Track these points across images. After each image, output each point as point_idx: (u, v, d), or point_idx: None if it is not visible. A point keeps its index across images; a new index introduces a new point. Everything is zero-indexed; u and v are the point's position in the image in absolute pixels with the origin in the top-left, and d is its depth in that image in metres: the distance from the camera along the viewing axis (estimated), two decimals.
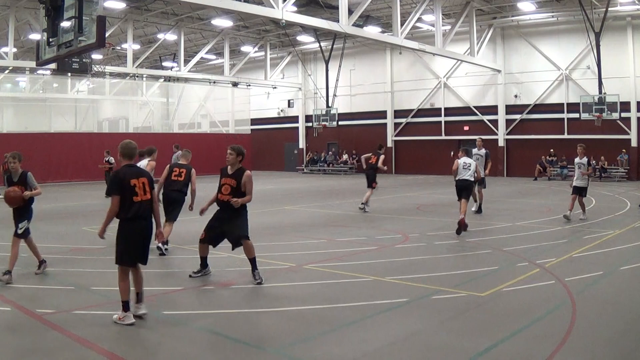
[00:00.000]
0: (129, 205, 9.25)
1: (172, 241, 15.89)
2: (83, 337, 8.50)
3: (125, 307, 9.18)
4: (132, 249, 9.36)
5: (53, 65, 34.16)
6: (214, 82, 56.74)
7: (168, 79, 55.73)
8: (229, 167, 11.86)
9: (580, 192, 20.82)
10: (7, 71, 47.62)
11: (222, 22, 45.82)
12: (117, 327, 9.01)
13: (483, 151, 24.46)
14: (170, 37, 48.95)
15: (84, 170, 42.20)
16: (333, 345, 8.33)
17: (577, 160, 21.11)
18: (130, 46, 46.54)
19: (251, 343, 8.44)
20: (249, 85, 57.78)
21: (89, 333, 8.69)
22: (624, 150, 41.73)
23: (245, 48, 56.77)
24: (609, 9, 39.05)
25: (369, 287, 11.49)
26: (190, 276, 12.11)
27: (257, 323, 9.42)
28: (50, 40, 14.80)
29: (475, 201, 23.11)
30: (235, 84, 56.49)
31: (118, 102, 65.15)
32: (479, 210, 23.25)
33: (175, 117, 66.58)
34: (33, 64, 28.23)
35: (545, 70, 45.38)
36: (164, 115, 66.91)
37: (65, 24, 13.89)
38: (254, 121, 62.12)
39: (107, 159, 32.78)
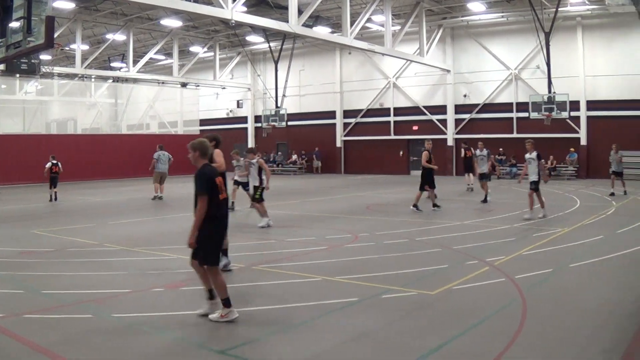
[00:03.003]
0: (217, 204, 9.31)
1: (123, 244, 15.77)
2: (33, 341, 8.38)
3: (227, 303, 9.30)
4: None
5: (1, 67, 33.73)
6: (163, 83, 56.44)
7: (117, 79, 55.29)
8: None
9: (536, 186, 20.99)
10: None
11: (172, 23, 45.58)
12: (66, 331, 8.90)
13: (485, 151, 27.79)
14: (120, 37, 48.50)
15: (32, 173, 41.63)
16: (283, 345, 8.30)
17: (527, 155, 21.35)
18: (79, 47, 46.08)
19: (202, 344, 8.40)
20: (198, 85, 57.60)
21: (40, 337, 8.55)
22: (572, 149, 42.14)
23: (194, 48, 56.55)
24: (559, 9, 39.45)
25: (319, 287, 11.43)
26: None
27: (208, 324, 9.23)
28: None
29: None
30: (184, 85, 56.26)
31: (66, 103, 64.59)
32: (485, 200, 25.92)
33: (124, 118, 66.12)
34: None
35: (495, 70, 45.76)
36: (112, 116, 66.48)
37: (14, 24, 13.70)
38: (203, 122, 61.90)
39: (54, 163, 32.25)
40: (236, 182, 24.06)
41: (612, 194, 28.74)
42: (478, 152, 27.72)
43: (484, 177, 27.13)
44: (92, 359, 7.94)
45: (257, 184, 19.67)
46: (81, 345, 8.40)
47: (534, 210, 20.97)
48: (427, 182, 23.49)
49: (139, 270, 12.82)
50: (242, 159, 22.46)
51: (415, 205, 23.47)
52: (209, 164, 9.71)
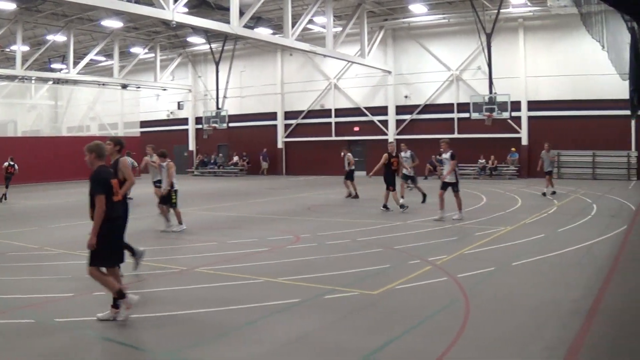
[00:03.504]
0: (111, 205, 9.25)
1: (65, 247, 15.59)
2: None
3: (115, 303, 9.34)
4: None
5: None
6: (104, 85, 55.89)
7: (57, 81, 54.60)
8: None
9: (447, 187, 20.87)
10: None
11: (112, 24, 45.18)
12: (7, 336, 8.75)
13: (409, 153, 27.34)
14: (60, 38, 47.88)
15: None
16: (225, 348, 8.23)
17: (443, 156, 21.43)
18: (19, 48, 45.39)
19: (143, 348, 8.37)
20: (139, 87, 57.15)
21: None
22: (513, 149, 42.59)
23: (135, 49, 56.07)
24: (501, 10, 39.81)
25: (261, 289, 11.33)
26: None
27: (148, 328, 9.17)
28: None
29: None
30: (124, 86, 55.78)
31: (6, 105, 63.53)
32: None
33: (64, 120, 65.29)
34: None
35: (436, 71, 46.17)
36: (52, 118, 65.48)
37: None
38: (144, 123, 61.36)
39: (11, 164, 31.90)
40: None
41: (546, 194, 28.72)
42: (402, 153, 27.10)
43: (406, 178, 26.74)
44: None
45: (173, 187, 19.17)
46: (23, 350, 8.25)
47: (445, 211, 20.87)
48: (388, 183, 23.43)
49: (81, 274, 12.61)
50: (155, 155, 21.99)
51: (385, 206, 23.54)
52: (105, 165, 9.61)
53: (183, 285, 11.74)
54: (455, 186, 20.78)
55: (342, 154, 31.46)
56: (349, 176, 29.76)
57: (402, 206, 23.28)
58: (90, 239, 9.08)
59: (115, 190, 9.38)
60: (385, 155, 23.79)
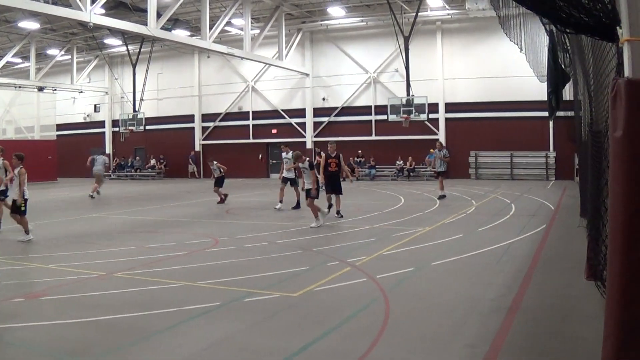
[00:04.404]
0: None
1: None
2: None
3: None
4: None
5: None
6: (20, 87, 54.95)
7: None
8: None
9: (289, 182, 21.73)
10: None
11: (29, 25, 44.44)
12: None
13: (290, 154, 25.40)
14: None
15: None
16: (146, 353, 8.12)
17: (300, 165, 21.23)
18: None
19: (63, 355, 8.07)
20: (55, 89, 56.30)
21: None
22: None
23: (51, 51, 55.17)
24: (420, 13, 40.17)
25: (180, 293, 11.25)
26: None
27: (68, 334, 8.95)
28: None
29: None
30: (41, 89, 54.88)
31: None
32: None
33: None
34: None
35: (354, 73, 46.49)
36: None
37: None
38: (60, 127, 60.55)
39: None
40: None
41: (443, 197, 28.32)
42: (283, 154, 26.66)
43: (286, 181, 26.07)
44: None
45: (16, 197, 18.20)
46: None
47: (321, 219, 20.14)
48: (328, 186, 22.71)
49: None
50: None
51: (337, 212, 22.39)
52: None
53: (103, 290, 11.55)
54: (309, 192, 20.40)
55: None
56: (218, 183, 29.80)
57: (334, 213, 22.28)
58: None
59: None
60: (324, 155, 23.36)
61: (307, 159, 21.14)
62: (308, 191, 20.33)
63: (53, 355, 8.10)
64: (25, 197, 17.97)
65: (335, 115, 47.29)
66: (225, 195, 29.26)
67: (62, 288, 11.70)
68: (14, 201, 17.84)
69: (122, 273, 13.07)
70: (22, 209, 17.88)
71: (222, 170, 29.72)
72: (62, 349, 8.37)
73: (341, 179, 22.76)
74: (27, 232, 18.07)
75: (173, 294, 11.23)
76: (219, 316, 9.66)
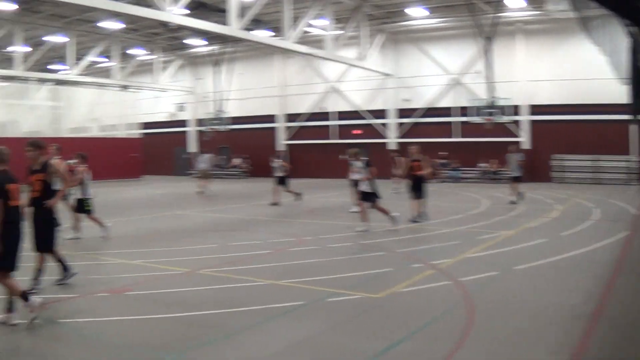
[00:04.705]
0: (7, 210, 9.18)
1: (69, 248, 15.66)
2: None
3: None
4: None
5: None
6: (104, 86, 55.80)
7: (57, 82, 54.56)
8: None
9: (367, 198, 19.47)
10: None
11: (112, 25, 44.95)
12: (11, 338, 8.90)
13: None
14: (60, 39, 47.71)
15: None
16: (229, 350, 8.30)
17: (354, 163, 20.46)
18: (19, 49, 45.27)
19: (146, 350, 8.32)
20: (139, 89, 57.00)
21: None
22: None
23: (134, 51, 55.79)
24: (500, 14, 39.73)
25: (264, 291, 11.42)
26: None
27: (152, 329, 9.24)
28: None
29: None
30: (124, 88, 55.64)
31: (6, 105, 63.47)
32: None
33: (65, 121, 65.17)
34: None
35: (436, 74, 45.92)
36: (53, 119, 65.35)
37: None
38: (144, 125, 61.15)
39: None
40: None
41: (515, 200, 27.53)
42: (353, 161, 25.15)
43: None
44: None
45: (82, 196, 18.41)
46: (28, 352, 8.42)
47: (368, 223, 19.38)
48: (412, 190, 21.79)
49: (81, 275, 12.66)
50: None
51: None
52: (5, 170, 9.59)
53: (187, 287, 11.82)
54: (372, 197, 19.50)
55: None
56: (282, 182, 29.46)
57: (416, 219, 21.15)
58: None
59: (12, 195, 9.35)
60: (405, 159, 23.05)
61: (364, 158, 20.50)
62: (366, 194, 19.43)
63: (134, 350, 8.36)
64: (89, 196, 18.34)
65: (418, 117, 46.93)
66: (298, 194, 29.32)
67: (145, 284, 11.99)
68: (79, 200, 18.19)
69: (206, 270, 13.31)
70: (87, 208, 18.30)
71: (285, 169, 29.64)
72: (144, 344, 8.62)
73: (424, 182, 21.73)
74: (102, 226, 18.61)
75: (256, 292, 11.39)
76: (301, 315, 9.76)
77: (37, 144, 11.44)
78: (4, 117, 62.07)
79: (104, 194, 32.94)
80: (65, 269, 12.00)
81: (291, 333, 8.83)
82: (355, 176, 21.04)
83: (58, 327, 9.41)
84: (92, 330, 9.14)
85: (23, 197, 9.73)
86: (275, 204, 28.27)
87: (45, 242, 11.33)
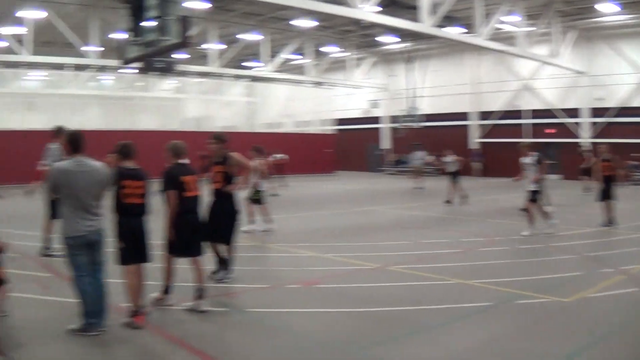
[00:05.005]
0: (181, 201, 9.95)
1: (259, 239, 16.32)
2: (169, 332, 9.03)
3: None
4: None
5: (137, 64, 34.93)
6: (298, 83, 56.84)
7: (252, 78, 56.02)
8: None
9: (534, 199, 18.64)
10: (92, 70, 48.58)
11: (304, 23, 45.63)
12: (202, 323, 9.46)
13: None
14: (254, 37, 48.97)
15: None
16: (416, 347, 8.48)
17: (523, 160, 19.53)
18: (214, 46, 46.78)
19: (334, 343, 8.62)
20: (333, 85, 57.73)
21: (176, 329, 9.21)
22: None
23: (327, 48, 56.49)
24: None
25: (453, 290, 11.58)
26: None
27: (339, 323, 9.54)
28: (135, 39, 14.99)
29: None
30: (318, 84, 56.47)
31: (202, 101, 65.50)
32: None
33: (259, 117, 66.71)
34: (117, 62, 28.69)
35: (629, 72, 44.41)
36: (247, 114, 67.01)
37: (149, 23, 14.05)
38: (337, 121, 62.11)
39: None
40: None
41: None
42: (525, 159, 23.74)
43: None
44: (225, 354, 8.35)
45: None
46: (215, 338, 8.95)
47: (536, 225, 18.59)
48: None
49: (275, 267, 13.21)
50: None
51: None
52: (181, 163, 10.24)
53: (377, 282, 12.13)
54: (535, 195, 18.71)
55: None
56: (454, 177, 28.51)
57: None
58: (166, 232, 9.97)
59: (188, 186, 10.02)
60: (595, 158, 22.38)
61: (535, 153, 19.45)
62: (534, 194, 18.67)
63: (323, 342, 8.66)
64: (261, 189, 18.90)
65: (612, 116, 45.57)
66: (465, 196, 28.20)
67: (336, 278, 12.41)
68: (254, 192, 18.74)
69: (396, 267, 13.54)
70: (257, 198, 18.82)
71: (458, 164, 28.94)
72: (332, 337, 8.90)
73: (614, 183, 20.59)
74: (269, 221, 19.06)
75: (445, 290, 11.59)
76: (489, 316, 9.88)
77: (220, 137, 12.11)
78: (200, 113, 64.14)
79: (299, 188, 33.94)
80: (226, 266, 12.30)
81: (478, 334, 8.98)
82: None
83: (246, 315, 9.97)
84: (278, 321, 9.63)
85: (202, 188, 10.43)
86: (448, 202, 27.86)
87: (224, 234, 11.88)
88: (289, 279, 12.34)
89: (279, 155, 35.80)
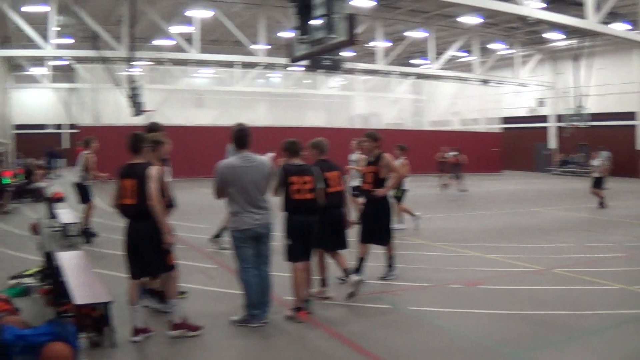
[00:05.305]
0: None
1: (425, 238, 16.37)
2: (333, 328, 9.24)
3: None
4: None
5: (304, 62, 35.53)
6: (464, 80, 56.45)
7: (418, 76, 56.00)
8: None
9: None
10: (260, 67, 49.61)
11: (470, 20, 45.29)
12: (364, 320, 9.67)
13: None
14: (419, 34, 48.94)
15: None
16: (571, 353, 8.31)
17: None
18: (380, 44, 47.03)
19: (491, 345, 8.57)
20: (499, 83, 57.09)
21: (339, 324, 9.43)
22: None
23: (493, 46, 55.87)
24: None
25: (614, 296, 11.33)
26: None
27: (497, 324, 9.50)
28: (302, 38, 15.17)
29: None
30: (485, 82, 55.96)
31: (369, 98, 65.97)
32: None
33: (426, 115, 66.64)
34: (285, 60, 29.17)
35: None
36: (414, 112, 67.07)
37: (315, 21, 14.19)
38: (503, 120, 61.33)
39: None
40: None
41: None
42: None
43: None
44: (385, 351, 8.30)
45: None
46: (375, 336, 8.92)
47: None
48: None
49: (438, 265, 13.15)
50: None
51: None
52: (324, 159, 10.49)
53: (537, 285, 12.01)
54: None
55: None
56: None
57: None
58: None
59: (331, 182, 10.21)
60: None
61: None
62: None
63: (479, 344, 8.63)
64: (404, 188, 18.91)
65: None
66: (603, 201, 26.56)
67: (498, 279, 12.37)
68: (398, 189, 18.54)
69: (559, 270, 13.33)
70: (398, 195, 18.72)
71: (602, 169, 27.72)
72: (490, 337, 8.85)
73: None
74: (401, 222, 19.03)
75: (606, 296, 11.33)
76: None
77: (374, 136, 12.07)
78: (367, 110, 64.55)
79: (466, 187, 33.68)
80: (390, 265, 12.38)
81: (633, 343, 8.70)
82: None
83: (407, 314, 10.07)
84: (438, 320, 9.69)
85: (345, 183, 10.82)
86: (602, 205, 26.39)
87: (378, 235, 11.87)
88: (452, 278, 12.37)
89: (452, 153, 35.64)
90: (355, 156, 19.26)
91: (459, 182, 34.14)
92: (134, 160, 8.69)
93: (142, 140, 8.86)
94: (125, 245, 8.70)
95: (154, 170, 8.52)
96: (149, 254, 8.54)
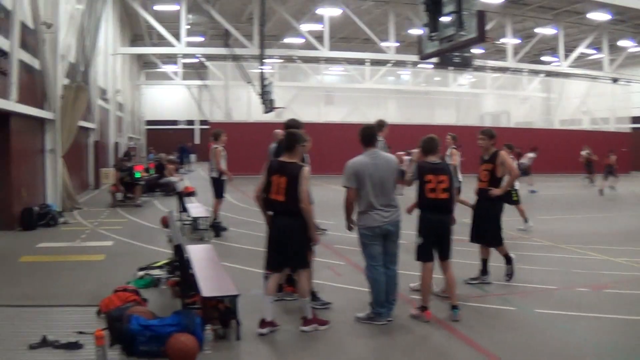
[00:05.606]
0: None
1: (551, 239, 16.20)
2: (463, 332, 9.08)
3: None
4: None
5: (434, 59, 35.44)
6: (594, 78, 55.26)
7: (548, 73, 55.15)
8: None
9: None
10: (390, 65, 49.61)
11: (599, 16, 44.38)
12: (485, 322, 9.62)
13: None
14: (549, 31, 48.23)
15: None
16: None
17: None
18: (510, 41, 46.53)
19: (619, 354, 8.30)
20: (629, 81, 55.68)
21: (465, 328, 9.26)
22: None
23: (622, 42, 54.57)
24: None
25: None
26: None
27: (626, 331, 9.19)
28: (431, 35, 15.15)
29: None
30: (614, 80, 54.68)
31: (499, 96, 65.30)
32: None
33: (556, 113, 65.53)
34: (414, 57, 29.15)
35: None
36: (544, 110, 66.12)
37: (445, 18, 14.16)
38: (636, 119, 59.77)
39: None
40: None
41: None
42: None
43: None
44: (510, 353, 8.28)
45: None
46: (501, 337, 8.89)
47: None
48: None
49: (564, 268, 12.95)
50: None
51: None
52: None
53: None
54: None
55: None
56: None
57: None
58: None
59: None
60: None
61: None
62: None
63: (607, 351, 8.37)
64: (516, 187, 18.77)
65: None
66: None
67: (627, 283, 12.06)
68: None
69: None
70: (515, 198, 18.75)
71: None
72: (610, 343, 8.61)
73: None
74: (525, 220, 19.21)
75: None
76: None
77: (490, 134, 11.95)
78: (497, 108, 63.87)
79: (592, 187, 33.11)
80: (509, 262, 12.09)
81: None
82: None
83: (533, 316, 9.86)
84: (563, 323, 9.48)
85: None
86: None
87: (489, 236, 11.78)
88: (578, 281, 12.14)
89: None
90: (449, 150, 19.47)
91: (609, 182, 33.27)
92: (286, 158, 9.00)
93: (298, 140, 9.13)
94: (268, 238, 9.12)
95: (307, 172, 8.85)
96: (292, 248, 8.88)
